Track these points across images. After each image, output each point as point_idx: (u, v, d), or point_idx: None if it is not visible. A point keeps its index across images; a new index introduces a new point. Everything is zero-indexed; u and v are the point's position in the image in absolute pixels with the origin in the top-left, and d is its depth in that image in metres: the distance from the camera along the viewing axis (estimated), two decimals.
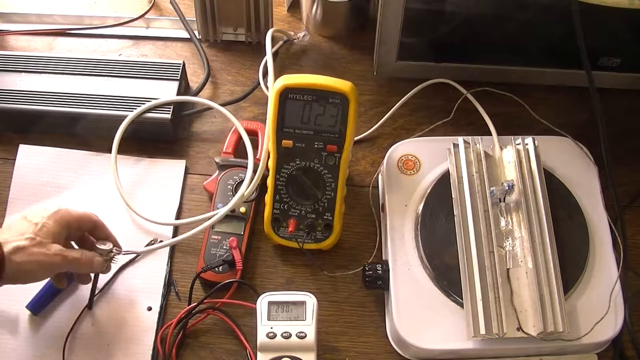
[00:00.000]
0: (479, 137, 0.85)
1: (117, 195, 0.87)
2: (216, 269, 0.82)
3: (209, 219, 0.83)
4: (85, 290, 0.82)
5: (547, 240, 0.77)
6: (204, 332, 0.81)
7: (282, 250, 0.86)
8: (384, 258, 0.83)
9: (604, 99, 0.80)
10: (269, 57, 0.93)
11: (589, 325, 0.76)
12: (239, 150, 0.91)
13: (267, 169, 0.85)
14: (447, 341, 0.76)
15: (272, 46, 0.96)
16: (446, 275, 0.78)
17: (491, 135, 0.86)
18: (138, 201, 0.87)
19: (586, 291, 0.78)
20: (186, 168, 0.92)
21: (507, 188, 0.80)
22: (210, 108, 0.94)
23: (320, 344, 0.78)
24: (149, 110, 0.90)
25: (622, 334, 0.77)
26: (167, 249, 0.85)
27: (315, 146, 0.81)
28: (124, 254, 0.81)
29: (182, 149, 0.93)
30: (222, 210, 0.83)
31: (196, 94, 0.96)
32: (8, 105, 0.91)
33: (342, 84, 0.79)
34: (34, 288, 0.81)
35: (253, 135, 0.90)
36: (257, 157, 0.88)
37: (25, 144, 0.92)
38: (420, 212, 0.83)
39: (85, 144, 0.92)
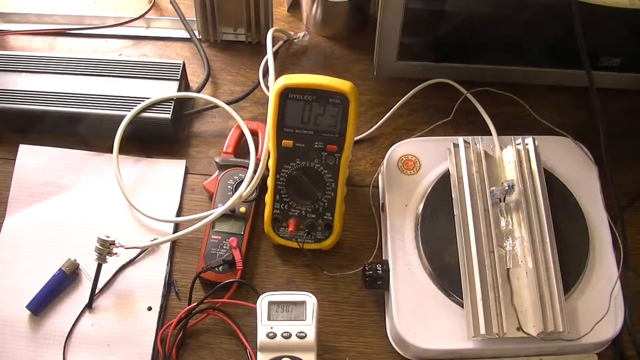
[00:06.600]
0: (479, 137, 0.85)
1: (118, 195, 0.87)
2: (216, 269, 0.82)
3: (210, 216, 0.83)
4: (85, 290, 0.82)
5: (547, 240, 0.77)
6: (204, 332, 0.81)
7: (282, 250, 0.86)
8: (384, 258, 0.83)
9: (604, 99, 0.80)
10: (269, 57, 0.93)
11: (589, 325, 0.76)
12: (239, 150, 0.91)
13: (267, 168, 0.85)
14: (447, 341, 0.76)
15: (272, 46, 0.96)
16: (446, 275, 0.78)
17: (491, 135, 0.86)
18: (138, 201, 0.87)
19: (586, 291, 0.78)
20: (186, 168, 0.92)
21: (507, 188, 0.80)
22: (210, 107, 0.94)
23: (320, 344, 0.78)
24: (149, 109, 0.90)
25: (622, 334, 0.77)
26: (168, 249, 0.86)
27: (316, 146, 0.81)
28: (127, 249, 0.82)
29: (182, 149, 0.93)
30: (223, 207, 0.83)
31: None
32: (8, 105, 0.91)
33: (342, 84, 0.79)
34: (34, 288, 0.82)
35: (253, 135, 0.90)
36: (257, 156, 0.88)
37: (25, 144, 0.92)
38: (420, 212, 0.83)
39: (86, 144, 0.92)
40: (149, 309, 0.82)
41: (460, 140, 0.84)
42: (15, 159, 0.91)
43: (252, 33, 1.01)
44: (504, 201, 0.81)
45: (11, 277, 0.84)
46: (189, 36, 1.02)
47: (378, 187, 0.89)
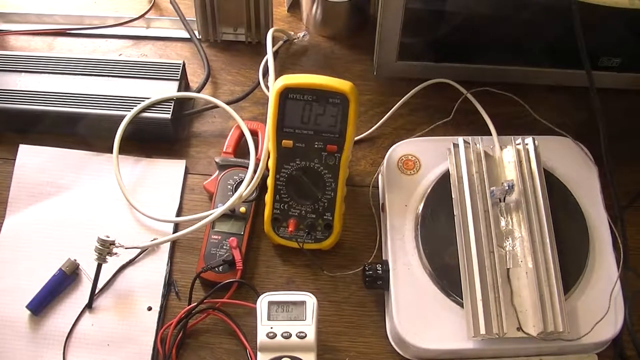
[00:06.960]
0: (479, 137, 0.85)
1: (118, 195, 0.87)
2: (216, 269, 0.82)
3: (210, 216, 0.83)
4: (85, 289, 0.82)
5: (547, 240, 0.77)
6: (204, 332, 0.81)
7: (282, 250, 0.86)
8: (384, 258, 0.83)
9: (604, 99, 0.80)
10: (269, 57, 0.93)
11: (589, 325, 0.76)
12: (239, 150, 0.91)
13: (267, 169, 0.85)
14: (447, 341, 0.76)
15: (272, 46, 0.96)
16: (446, 275, 0.78)
17: (491, 135, 0.86)
18: (138, 201, 0.87)
19: (586, 291, 0.78)
20: (186, 168, 0.92)
21: (507, 188, 0.80)
22: (210, 107, 0.94)
23: (320, 344, 0.78)
24: (149, 109, 0.90)
25: (622, 334, 0.77)
26: (167, 249, 0.86)
27: (315, 146, 0.81)
28: (127, 249, 0.82)
29: (182, 149, 0.93)
30: (223, 207, 0.83)
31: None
32: (8, 105, 0.91)
33: (342, 84, 0.79)
34: (34, 288, 0.82)
35: (253, 135, 0.90)
36: (257, 156, 0.88)
37: (25, 144, 0.92)
38: (420, 212, 0.83)
39: (86, 144, 0.92)
40: (149, 309, 0.82)
41: (460, 140, 0.84)
42: (15, 159, 0.91)
43: (252, 33, 1.01)
44: (504, 201, 0.81)
45: (11, 277, 0.84)
46: (189, 36, 1.02)
47: (378, 187, 0.89)
